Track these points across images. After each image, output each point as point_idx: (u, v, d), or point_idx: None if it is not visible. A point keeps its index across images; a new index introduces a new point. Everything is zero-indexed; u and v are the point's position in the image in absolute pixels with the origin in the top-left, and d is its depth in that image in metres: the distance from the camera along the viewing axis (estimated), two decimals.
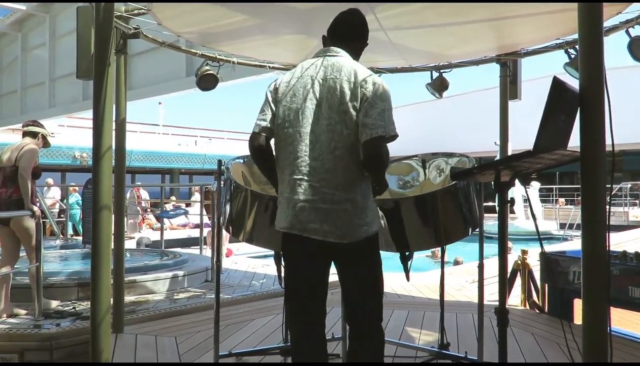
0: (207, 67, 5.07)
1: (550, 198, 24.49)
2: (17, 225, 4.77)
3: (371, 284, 2.42)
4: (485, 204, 3.28)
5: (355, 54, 2.54)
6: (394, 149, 2.40)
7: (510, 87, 5.12)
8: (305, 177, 2.30)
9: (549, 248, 8.78)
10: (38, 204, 5.23)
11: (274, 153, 2.47)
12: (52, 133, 21.98)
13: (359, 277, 2.40)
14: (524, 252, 5.37)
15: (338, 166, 2.29)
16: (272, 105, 2.44)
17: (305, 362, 2.40)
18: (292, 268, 2.46)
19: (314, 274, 2.43)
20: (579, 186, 2.23)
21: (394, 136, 2.30)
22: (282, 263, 3.28)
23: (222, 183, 3.37)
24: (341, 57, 2.43)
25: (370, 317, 2.42)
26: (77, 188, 12.87)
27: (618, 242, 10.56)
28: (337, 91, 2.32)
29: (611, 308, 2.20)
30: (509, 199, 2.30)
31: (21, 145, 4.93)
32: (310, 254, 2.38)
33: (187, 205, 15.34)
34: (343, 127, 2.30)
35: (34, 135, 5.07)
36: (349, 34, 2.53)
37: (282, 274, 3.29)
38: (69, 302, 5.24)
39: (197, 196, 11.48)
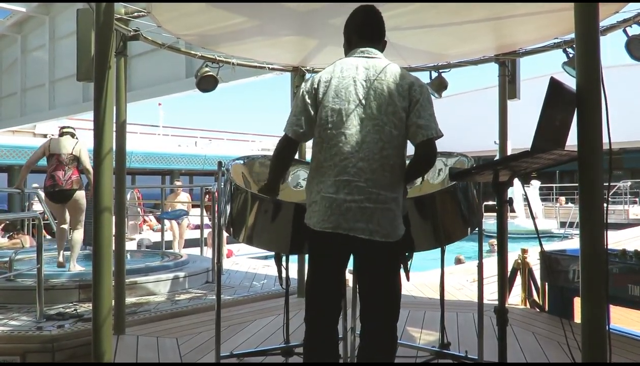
0: (207, 69, 5.08)
1: (551, 197, 24.51)
2: (76, 201, 6.06)
3: (394, 285, 2.45)
4: (485, 203, 3.29)
5: (382, 50, 2.59)
6: None
7: (509, 87, 5.13)
8: (353, 178, 2.32)
9: (549, 246, 8.80)
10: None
11: (313, 154, 2.47)
12: (52, 135, 22.08)
13: (385, 276, 2.42)
14: (524, 251, 5.38)
15: (385, 166, 2.33)
16: (311, 108, 2.42)
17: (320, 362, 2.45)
18: (323, 265, 2.47)
19: (342, 272, 2.51)
20: (578, 184, 2.24)
21: (440, 137, 2.37)
22: (283, 264, 3.32)
23: (222, 184, 3.38)
24: (380, 59, 2.46)
25: (389, 317, 2.44)
26: None
27: (618, 240, 10.56)
28: (385, 93, 2.34)
29: (611, 306, 2.21)
30: (507, 198, 2.31)
31: (72, 140, 6.24)
32: (344, 253, 2.42)
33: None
34: (392, 128, 2.34)
35: (73, 135, 6.35)
36: (378, 34, 2.57)
37: (283, 275, 3.34)
38: (70, 304, 5.25)
39: (182, 197, 11.59)
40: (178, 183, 12.35)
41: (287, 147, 2.50)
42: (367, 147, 2.32)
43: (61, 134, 6.37)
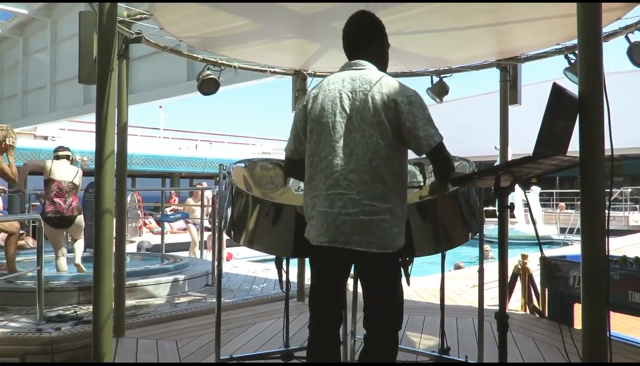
0: (209, 72, 5.09)
1: (551, 202, 24.50)
2: (77, 225, 6.33)
3: (394, 293, 2.45)
4: (485, 208, 3.29)
5: (379, 59, 2.55)
6: None
7: (510, 92, 5.13)
8: (344, 191, 2.32)
9: (550, 252, 8.79)
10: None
11: (306, 167, 2.49)
12: (53, 137, 22.06)
13: (385, 285, 2.42)
14: (524, 256, 5.37)
15: (375, 177, 2.31)
16: (300, 124, 2.52)
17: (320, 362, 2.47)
18: (324, 278, 2.49)
19: (343, 283, 2.52)
20: (580, 190, 2.24)
21: (442, 139, 2.37)
22: (284, 267, 3.32)
23: (223, 187, 3.38)
24: (367, 70, 2.44)
25: (391, 324, 2.45)
26: None
27: (618, 247, 10.57)
28: (370, 103, 2.33)
29: (611, 312, 2.20)
30: (508, 204, 2.31)
31: (73, 168, 6.40)
32: (343, 265, 2.44)
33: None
34: (378, 139, 2.31)
35: (68, 157, 6.46)
36: (362, 42, 2.53)
37: (283, 279, 3.34)
38: (70, 306, 5.25)
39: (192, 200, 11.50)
40: (204, 185, 12.17)
41: (287, 165, 2.69)
42: (356, 159, 2.32)
43: (57, 157, 6.39)
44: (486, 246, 13.22)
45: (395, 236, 2.34)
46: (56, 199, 6.13)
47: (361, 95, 2.35)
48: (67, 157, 6.46)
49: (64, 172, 6.26)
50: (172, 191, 17.89)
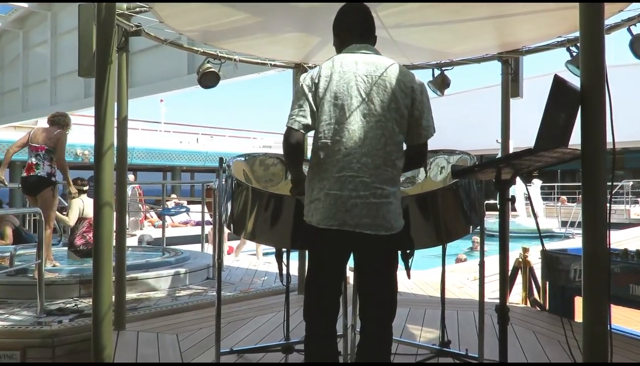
0: (209, 65, 5.07)
1: (552, 196, 24.49)
2: None
3: (392, 279, 2.48)
4: (486, 201, 3.28)
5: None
6: None
7: (511, 85, 5.12)
8: (357, 174, 2.32)
9: (551, 245, 8.79)
10: None
11: (314, 150, 2.45)
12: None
13: (386, 271, 2.45)
14: (525, 250, 5.37)
15: (387, 161, 2.35)
16: (312, 101, 2.40)
17: (320, 361, 2.45)
18: (325, 263, 2.47)
19: (343, 269, 2.53)
20: (581, 183, 2.23)
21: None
22: (284, 260, 3.32)
23: (223, 180, 3.37)
24: (379, 56, 2.46)
25: (391, 311, 2.47)
26: None
27: (619, 240, 10.56)
28: (388, 89, 2.35)
29: (612, 306, 2.20)
30: (509, 197, 2.30)
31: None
32: (346, 250, 2.43)
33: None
34: (394, 125, 2.35)
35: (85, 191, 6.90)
36: (369, 32, 2.57)
37: (284, 272, 3.34)
38: (71, 299, 5.26)
39: None
40: None
41: (296, 139, 2.40)
42: (370, 143, 2.33)
43: (82, 192, 6.89)
44: (475, 238, 13.15)
45: (399, 217, 2.41)
46: (87, 234, 6.68)
47: (379, 80, 2.36)
48: (85, 192, 6.93)
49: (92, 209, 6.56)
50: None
